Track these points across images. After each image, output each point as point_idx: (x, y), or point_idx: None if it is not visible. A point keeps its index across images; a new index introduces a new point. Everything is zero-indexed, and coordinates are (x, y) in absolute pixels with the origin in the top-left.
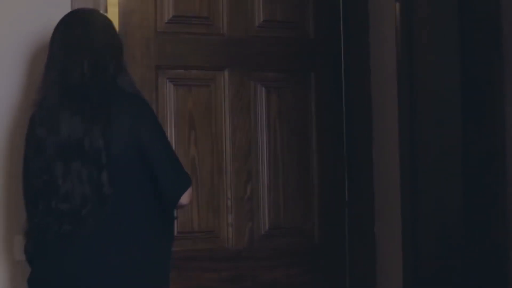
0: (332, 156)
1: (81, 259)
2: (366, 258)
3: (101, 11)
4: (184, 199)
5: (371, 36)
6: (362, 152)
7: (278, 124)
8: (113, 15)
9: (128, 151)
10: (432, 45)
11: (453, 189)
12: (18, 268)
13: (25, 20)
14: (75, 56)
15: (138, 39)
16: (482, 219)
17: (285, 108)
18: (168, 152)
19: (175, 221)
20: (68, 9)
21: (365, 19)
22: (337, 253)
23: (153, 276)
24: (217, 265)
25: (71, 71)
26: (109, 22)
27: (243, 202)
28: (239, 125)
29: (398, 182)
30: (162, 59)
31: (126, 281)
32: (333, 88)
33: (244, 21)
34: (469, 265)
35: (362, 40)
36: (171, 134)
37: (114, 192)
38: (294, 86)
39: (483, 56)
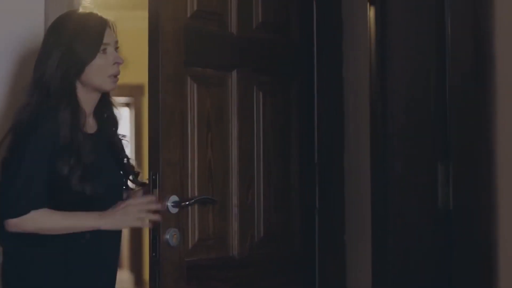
0: (305, 163)
1: None
2: (336, 265)
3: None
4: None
5: (345, 41)
6: (333, 159)
7: (270, 129)
8: (144, 4)
9: None
10: (406, 50)
11: (423, 196)
12: None
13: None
14: None
15: (169, 31)
16: (454, 221)
17: (275, 113)
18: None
19: None
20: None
21: (338, 24)
22: (310, 260)
23: None
24: (225, 274)
25: None
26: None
27: (245, 208)
28: (245, 128)
29: (369, 190)
30: (188, 55)
31: None
32: (308, 95)
33: (248, 20)
34: (439, 271)
35: (335, 46)
36: (193, 135)
37: None
38: (281, 91)
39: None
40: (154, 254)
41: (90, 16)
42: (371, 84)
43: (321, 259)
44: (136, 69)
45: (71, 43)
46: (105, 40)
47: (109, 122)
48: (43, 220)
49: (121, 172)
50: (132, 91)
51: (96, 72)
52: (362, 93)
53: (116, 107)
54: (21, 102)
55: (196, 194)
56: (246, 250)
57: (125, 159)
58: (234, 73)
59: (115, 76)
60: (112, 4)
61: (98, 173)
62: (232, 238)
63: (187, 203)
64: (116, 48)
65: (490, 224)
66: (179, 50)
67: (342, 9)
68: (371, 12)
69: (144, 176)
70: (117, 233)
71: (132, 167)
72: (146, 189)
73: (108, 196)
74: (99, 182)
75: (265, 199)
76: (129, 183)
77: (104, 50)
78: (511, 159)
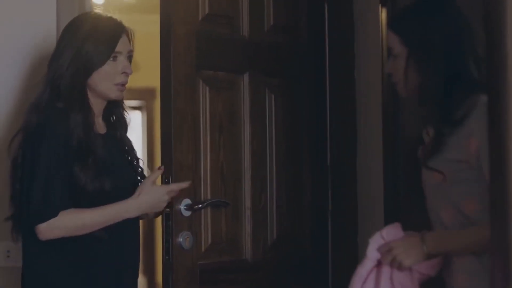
0: (317, 165)
1: None
2: (349, 267)
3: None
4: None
5: (356, 42)
6: (346, 161)
7: (282, 132)
8: (156, 7)
9: None
10: None
11: None
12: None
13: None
14: None
15: (181, 34)
16: None
17: (287, 116)
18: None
19: None
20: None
21: (350, 25)
22: (323, 263)
23: None
24: (237, 277)
25: None
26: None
27: (258, 211)
28: (256, 131)
29: (382, 192)
30: (200, 58)
31: None
32: (319, 96)
33: (259, 23)
34: None
35: (347, 47)
36: (205, 138)
37: None
38: (293, 94)
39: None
40: (167, 257)
41: (107, 20)
42: (383, 85)
43: (334, 261)
44: (147, 72)
45: (83, 45)
46: (117, 48)
47: (118, 125)
48: (73, 220)
49: (133, 172)
50: (143, 95)
51: (103, 78)
52: (374, 94)
53: (125, 110)
54: (32, 101)
55: (208, 197)
56: (259, 253)
57: (135, 160)
58: (246, 76)
59: (122, 85)
60: (124, 8)
61: (113, 170)
62: (245, 241)
63: (199, 206)
64: (129, 57)
65: None
66: (190, 53)
67: (353, 10)
68: (383, 13)
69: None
70: (136, 234)
71: (141, 169)
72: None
73: (122, 194)
74: (116, 179)
75: (278, 202)
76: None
77: (115, 58)
78: None
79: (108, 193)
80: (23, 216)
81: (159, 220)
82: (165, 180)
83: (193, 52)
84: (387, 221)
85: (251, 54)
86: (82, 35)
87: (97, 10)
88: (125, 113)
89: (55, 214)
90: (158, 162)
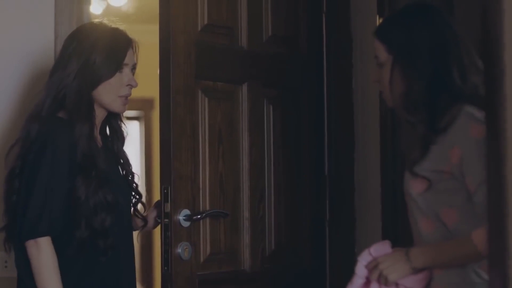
0: (315, 175)
1: None
2: (347, 278)
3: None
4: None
5: (354, 53)
6: (344, 172)
7: (280, 143)
8: (154, 18)
9: None
10: None
11: None
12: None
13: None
14: None
15: (181, 44)
16: None
17: (285, 127)
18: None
19: None
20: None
21: (348, 36)
22: (321, 273)
23: None
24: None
25: None
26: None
27: (256, 221)
28: (255, 142)
29: (380, 202)
30: (199, 68)
31: None
32: (317, 107)
33: (258, 34)
34: None
35: (345, 58)
36: (204, 148)
37: None
38: (291, 105)
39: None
40: (166, 268)
41: (116, 31)
42: (381, 96)
43: (332, 271)
44: (145, 82)
45: (91, 55)
46: (125, 61)
47: (115, 137)
48: (40, 253)
49: (128, 187)
50: (142, 105)
51: (108, 90)
52: (372, 105)
53: (123, 122)
54: (32, 109)
55: (207, 207)
56: (257, 264)
57: (130, 175)
58: (245, 87)
59: (126, 97)
60: (122, 18)
61: (112, 184)
62: (243, 252)
63: (198, 216)
64: (133, 70)
65: None
66: (190, 63)
67: (351, 21)
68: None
69: (154, 195)
70: (131, 250)
71: (136, 184)
72: (158, 203)
73: (121, 208)
74: (115, 192)
75: (276, 212)
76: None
77: (121, 70)
78: None
79: (109, 206)
80: (17, 228)
81: (157, 231)
82: (164, 191)
83: (192, 63)
84: (385, 232)
85: (250, 65)
86: (89, 44)
87: (104, 20)
88: (123, 125)
89: (44, 234)
90: (156, 172)
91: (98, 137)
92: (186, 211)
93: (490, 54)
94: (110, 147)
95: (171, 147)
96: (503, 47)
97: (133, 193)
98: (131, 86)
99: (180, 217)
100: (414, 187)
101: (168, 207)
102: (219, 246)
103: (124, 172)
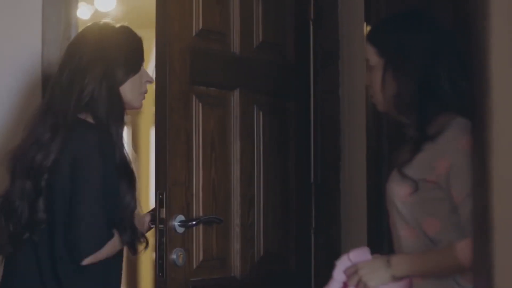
0: (302, 183)
1: None
2: None
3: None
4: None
5: (341, 60)
6: (329, 179)
7: (270, 149)
8: (143, 23)
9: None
10: None
11: None
12: None
13: None
14: None
15: (176, 50)
16: None
17: (274, 133)
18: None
19: None
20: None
21: (335, 43)
22: (306, 280)
23: None
24: None
25: None
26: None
27: (246, 228)
28: (246, 148)
29: (365, 209)
30: (193, 74)
31: None
32: (304, 114)
33: (249, 40)
34: None
35: (332, 65)
36: (198, 154)
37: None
38: (279, 111)
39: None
40: (160, 274)
41: (127, 29)
42: (367, 103)
43: (317, 278)
44: None
45: (116, 54)
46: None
47: None
48: (108, 248)
49: None
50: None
51: (131, 88)
52: (358, 112)
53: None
54: (48, 115)
55: (200, 213)
56: (247, 270)
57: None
58: (236, 92)
59: (144, 94)
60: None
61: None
62: (234, 259)
63: (194, 222)
64: None
65: None
66: (185, 68)
67: (338, 28)
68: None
69: (142, 198)
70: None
71: None
72: (153, 210)
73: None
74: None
75: (265, 219)
76: None
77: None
78: None
79: (133, 211)
80: (67, 248)
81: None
82: (159, 197)
83: (187, 68)
84: (370, 239)
85: (242, 71)
86: (110, 44)
87: (107, 21)
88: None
89: (101, 247)
90: (142, 175)
91: None
92: (181, 217)
93: (477, 61)
94: None
95: (166, 154)
96: (489, 53)
97: None
98: (148, 81)
99: (175, 223)
100: (398, 194)
101: (163, 213)
102: (211, 252)
103: None
